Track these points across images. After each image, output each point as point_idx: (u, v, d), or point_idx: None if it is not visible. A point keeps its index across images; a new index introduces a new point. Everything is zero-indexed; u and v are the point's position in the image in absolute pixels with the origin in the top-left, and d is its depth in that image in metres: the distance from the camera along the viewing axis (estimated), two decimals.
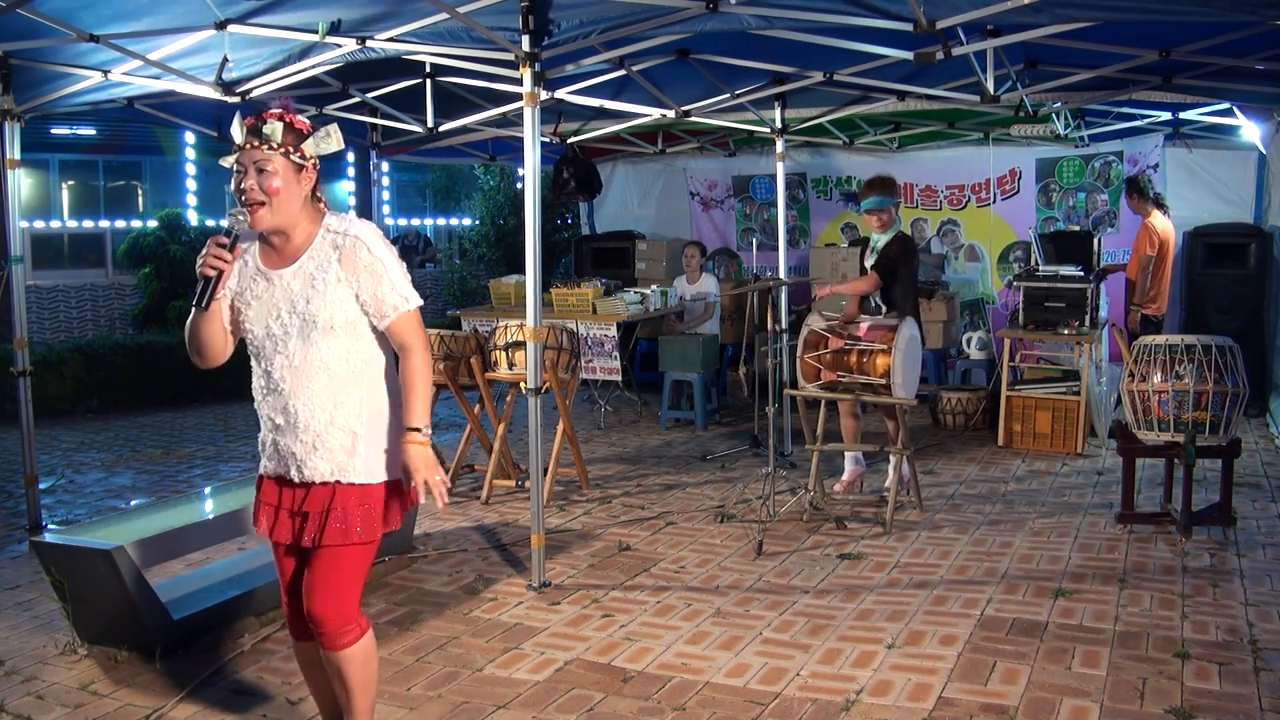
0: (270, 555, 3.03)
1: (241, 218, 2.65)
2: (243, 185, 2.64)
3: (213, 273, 2.63)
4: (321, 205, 2.79)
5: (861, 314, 5.85)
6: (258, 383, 2.80)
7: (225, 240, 2.63)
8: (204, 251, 2.65)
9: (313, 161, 2.71)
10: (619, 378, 7.94)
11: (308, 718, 3.40)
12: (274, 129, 2.64)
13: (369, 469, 2.75)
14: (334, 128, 2.74)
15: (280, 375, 2.71)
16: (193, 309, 2.70)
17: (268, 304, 2.72)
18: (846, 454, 6.15)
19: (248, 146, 2.65)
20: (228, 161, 2.68)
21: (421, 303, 2.79)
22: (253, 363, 2.81)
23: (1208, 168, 8.85)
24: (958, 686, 3.54)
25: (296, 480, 2.76)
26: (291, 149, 2.67)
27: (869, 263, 5.96)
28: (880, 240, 5.93)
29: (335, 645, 2.77)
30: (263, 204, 2.64)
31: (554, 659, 3.83)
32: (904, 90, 6.49)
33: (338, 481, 2.73)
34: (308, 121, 2.75)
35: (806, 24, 4.60)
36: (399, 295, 2.72)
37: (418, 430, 2.71)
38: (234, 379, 10.44)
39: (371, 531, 2.76)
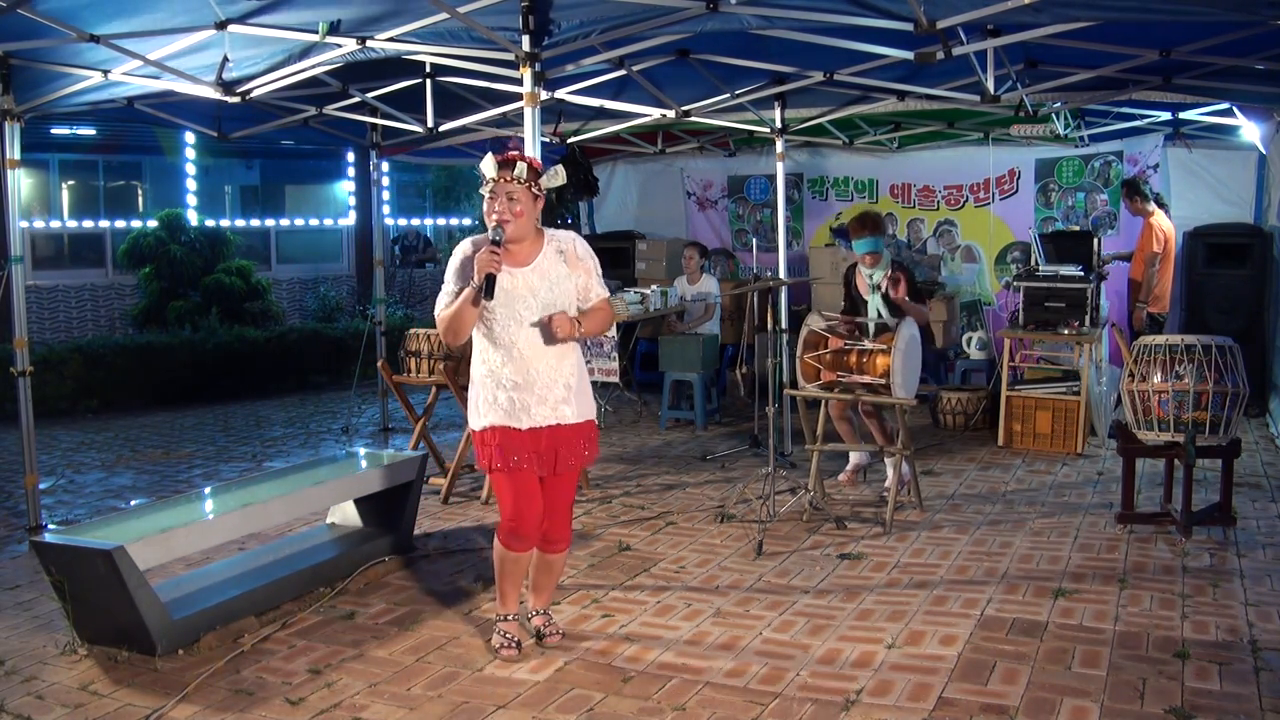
0: (272, 555, 4.03)
1: (498, 233, 3.53)
2: (495, 207, 3.54)
3: (496, 269, 3.48)
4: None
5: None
6: (494, 356, 3.65)
7: (498, 248, 3.49)
8: (479, 256, 3.47)
9: (543, 192, 3.63)
10: (617, 379, 7.94)
11: (307, 718, 3.41)
12: (521, 169, 3.53)
13: (579, 411, 3.73)
14: (559, 168, 3.65)
15: (524, 345, 3.61)
16: (463, 300, 3.53)
17: (511, 293, 3.60)
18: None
19: (502, 180, 3.53)
20: (485, 190, 3.58)
21: (609, 294, 3.82)
22: (485, 340, 3.67)
23: (1208, 168, 8.84)
24: (958, 686, 3.54)
25: (525, 427, 3.63)
26: (532, 184, 3.57)
27: (869, 296, 6.03)
28: (876, 274, 5.99)
29: (557, 550, 3.91)
30: (509, 221, 3.53)
31: (554, 659, 3.83)
32: (904, 90, 6.49)
33: (558, 424, 3.66)
34: (540, 162, 3.71)
35: (806, 24, 4.60)
36: (599, 288, 3.76)
37: (581, 324, 3.63)
38: (234, 379, 10.48)
39: (590, 457, 3.82)
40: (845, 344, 5.53)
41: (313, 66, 5.06)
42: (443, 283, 3.71)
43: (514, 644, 3.84)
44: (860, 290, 6.14)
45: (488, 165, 3.56)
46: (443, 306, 3.63)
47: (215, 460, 7.53)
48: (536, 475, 3.70)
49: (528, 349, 3.62)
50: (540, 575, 3.98)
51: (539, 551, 3.89)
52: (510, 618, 3.89)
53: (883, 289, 5.98)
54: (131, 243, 11.86)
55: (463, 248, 3.68)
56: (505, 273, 3.57)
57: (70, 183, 13.23)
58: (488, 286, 3.48)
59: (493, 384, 3.66)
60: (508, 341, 3.63)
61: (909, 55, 4.93)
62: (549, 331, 3.60)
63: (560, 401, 3.67)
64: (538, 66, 4.45)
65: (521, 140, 3.59)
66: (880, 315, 5.96)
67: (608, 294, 3.80)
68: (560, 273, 3.66)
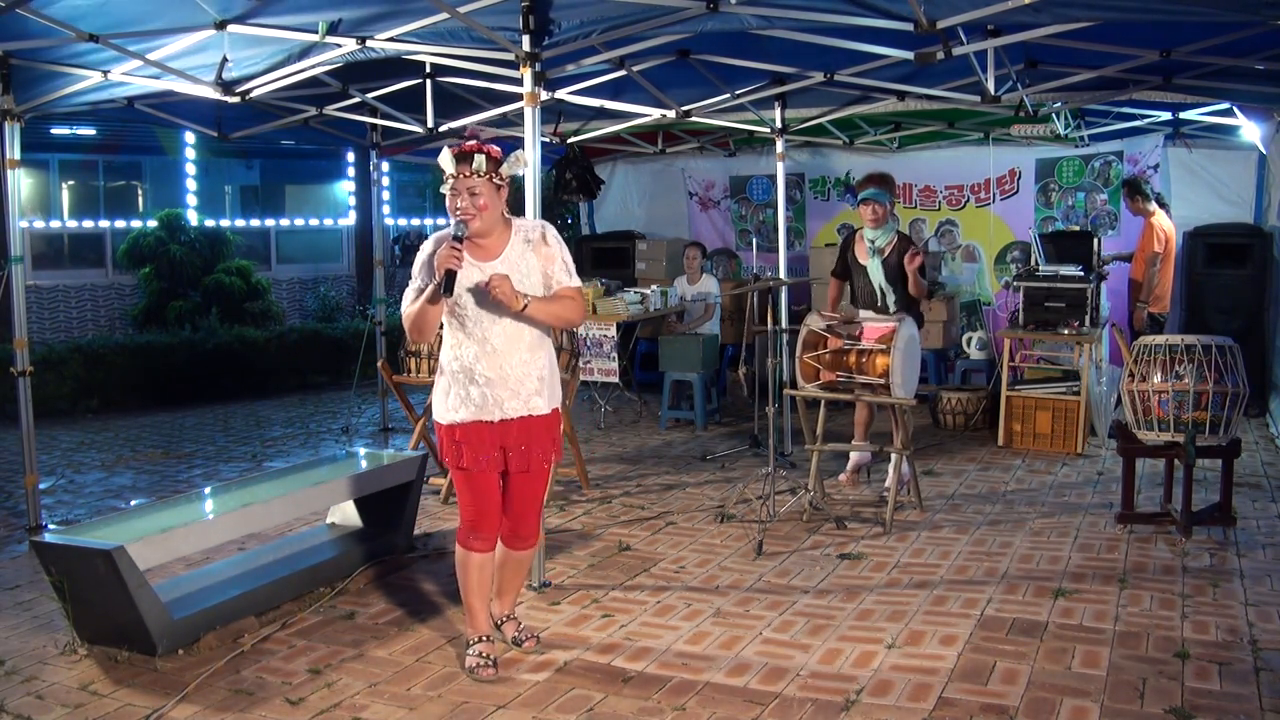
0: (272, 555, 3.97)
1: (460, 229, 3.44)
2: (458, 204, 3.46)
3: (456, 266, 3.39)
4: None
5: (862, 313, 5.88)
6: (467, 350, 3.58)
7: (458, 244, 3.41)
8: (439, 252, 3.41)
9: (506, 180, 3.55)
10: (616, 379, 7.94)
11: (307, 718, 3.41)
12: (480, 161, 3.44)
13: (548, 402, 3.68)
14: (520, 152, 3.58)
15: (497, 340, 3.55)
16: (425, 298, 3.46)
17: (481, 289, 3.49)
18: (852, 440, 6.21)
19: (461, 176, 3.44)
20: (445, 187, 3.47)
21: (580, 284, 3.69)
22: (458, 334, 3.60)
23: (1208, 168, 8.84)
24: (958, 686, 3.54)
25: (496, 419, 3.59)
26: (493, 174, 3.47)
27: (867, 262, 5.98)
28: (879, 238, 5.96)
29: (524, 546, 3.83)
30: (474, 216, 3.45)
31: (554, 659, 3.83)
32: (904, 90, 6.48)
33: (528, 415, 3.61)
34: (499, 149, 3.51)
35: (806, 24, 4.60)
36: (565, 275, 3.64)
37: (529, 298, 3.51)
38: (234, 378, 10.48)
39: (555, 454, 3.76)
40: (844, 344, 5.53)
41: (312, 66, 5.05)
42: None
43: (491, 663, 3.69)
44: (859, 255, 6.09)
45: (445, 160, 3.46)
46: (408, 303, 3.57)
47: (215, 460, 7.53)
48: (498, 473, 3.66)
49: (501, 344, 3.56)
50: (506, 575, 3.89)
51: (505, 549, 3.81)
52: (484, 639, 3.76)
53: (885, 254, 5.94)
54: (131, 243, 11.86)
55: (428, 244, 3.62)
56: (474, 268, 3.50)
57: (70, 183, 13.22)
58: (447, 283, 3.40)
59: (465, 378, 3.60)
60: (480, 336, 3.57)
61: (909, 55, 4.92)
62: (486, 290, 3.45)
63: (533, 394, 3.62)
64: (538, 66, 4.44)
65: (479, 131, 3.53)
66: (880, 287, 5.96)
67: (576, 284, 3.66)
68: (530, 264, 3.59)
